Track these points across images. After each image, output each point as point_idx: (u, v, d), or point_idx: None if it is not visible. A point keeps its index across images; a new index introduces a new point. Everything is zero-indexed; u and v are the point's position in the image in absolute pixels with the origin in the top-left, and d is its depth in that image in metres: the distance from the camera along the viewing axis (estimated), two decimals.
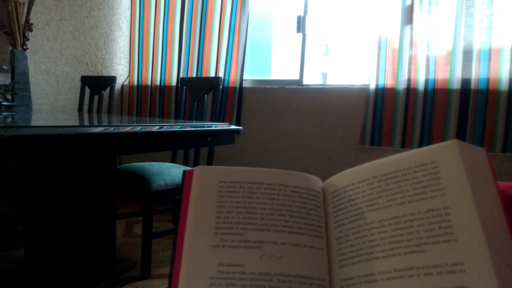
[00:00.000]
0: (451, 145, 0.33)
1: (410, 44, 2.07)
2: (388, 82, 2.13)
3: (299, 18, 2.59)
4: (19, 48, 2.43)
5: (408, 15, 2.06)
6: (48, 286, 1.57)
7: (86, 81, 2.71)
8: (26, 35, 2.47)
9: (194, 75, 2.85)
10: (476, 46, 1.89)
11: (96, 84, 2.65)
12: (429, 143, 2.02)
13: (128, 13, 3.26)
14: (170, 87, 2.99)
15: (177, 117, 2.61)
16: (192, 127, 1.40)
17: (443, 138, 1.98)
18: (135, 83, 3.20)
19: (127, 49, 3.29)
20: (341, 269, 0.34)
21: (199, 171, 0.39)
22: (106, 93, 2.69)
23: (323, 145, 2.37)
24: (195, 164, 2.05)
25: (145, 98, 3.13)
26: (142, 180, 1.70)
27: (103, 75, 3.09)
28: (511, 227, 0.30)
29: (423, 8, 2.01)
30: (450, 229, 0.30)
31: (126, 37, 3.27)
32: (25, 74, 2.45)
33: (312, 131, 2.41)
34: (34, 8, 2.52)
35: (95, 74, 3.04)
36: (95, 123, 1.57)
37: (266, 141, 2.58)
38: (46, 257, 1.58)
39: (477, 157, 0.33)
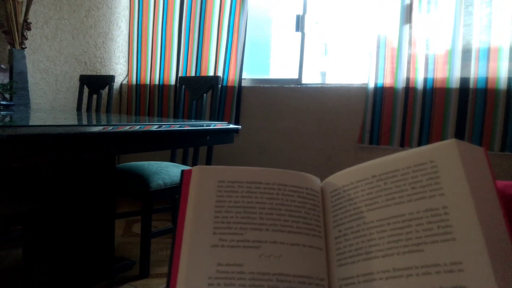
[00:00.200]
0: (450, 144, 0.33)
1: (409, 43, 2.07)
2: (387, 81, 2.13)
3: (298, 17, 2.59)
4: (18, 47, 2.43)
5: (407, 14, 2.06)
6: (46, 285, 1.57)
7: (85, 80, 2.71)
8: (25, 34, 2.47)
9: (193, 74, 2.85)
10: (475, 45, 1.89)
11: (95, 83, 2.64)
12: (427, 142, 2.02)
13: (127, 12, 3.25)
14: (169, 86, 2.98)
15: (176, 116, 2.61)
16: (191, 126, 1.40)
17: (441, 137, 1.98)
18: (134, 82, 3.19)
19: (126, 48, 3.29)
20: (340, 268, 0.34)
21: (198, 171, 0.39)
22: (104, 92, 2.68)
23: (322, 144, 2.37)
24: (194, 163, 2.05)
25: (144, 97, 3.13)
26: (141, 179, 1.70)
27: (102, 74, 3.09)
28: (509, 226, 0.30)
29: (422, 7, 2.01)
30: (448, 228, 0.30)
31: (125, 36, 3.27)
32: (24, 73, 2.45)
33: (311, 130, 2.41)
34: (32, 7, 2.52)
35: (94, 73, 3.04)
36: (94, 122, 1.57)
37: (265, 141, 2.58)
38: (44, 256, 1.58)
39: (476, 156, 0.33)
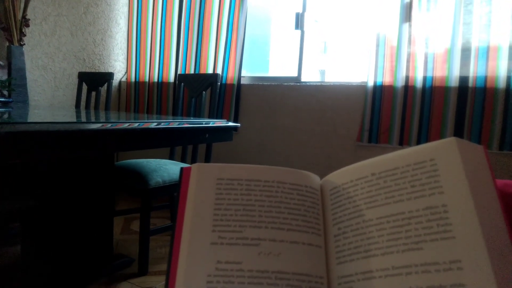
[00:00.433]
0: (449, 142, 0.33)
1: (408, 42, 2.07)
2: (386, 80, 2.13)
3: (297, 15, 2.58)
4: (16, 43, 2.42)
5: (406, 13, 2.06)
6: (45, 282, 1.57)
7: (84, 77, 2.70)
8: (23, 30, 2.46)
9: (192, 72, 2.85)
10: (474, 44, 1.89)
11: (94, 80, 2.64)
12: (427, 140, 2.02)
13: (126, 9, 3.24)
14: (168, 83, 2.98)
15: (175, 114, 2.61)
16: (190, 124, 1.40)
17: (440, 135, 1.98)
18: (133, 79, 3.18)
19: (125, 45, 3.28)
20: (339, 266, 0.34)
21: (197, 168, 0.39)
22: (103, 89, 2.68)
23: (321, 142, 2.37)
24: (193, 161, 2.04)
25: (142, 95, 3.12)
26: (140, 176, 1.70)
27: (101, 71, 3.08)
28: (509, 224, 0.30)
29: (422, 5, 2.01)
30: (448, 226, 0.30)
31: (124, 33, 3.26)
32: (22, 70, 2.44)
33: (310, 128, 2.41)
34: (31, 4, 2.50)
35: (93, 70, 3.03)
36: (93, 119, 1.56)
37: (264, 138, 2.58)
38: (43, 253, 1.58)
39: (476, 155, 0.33)
